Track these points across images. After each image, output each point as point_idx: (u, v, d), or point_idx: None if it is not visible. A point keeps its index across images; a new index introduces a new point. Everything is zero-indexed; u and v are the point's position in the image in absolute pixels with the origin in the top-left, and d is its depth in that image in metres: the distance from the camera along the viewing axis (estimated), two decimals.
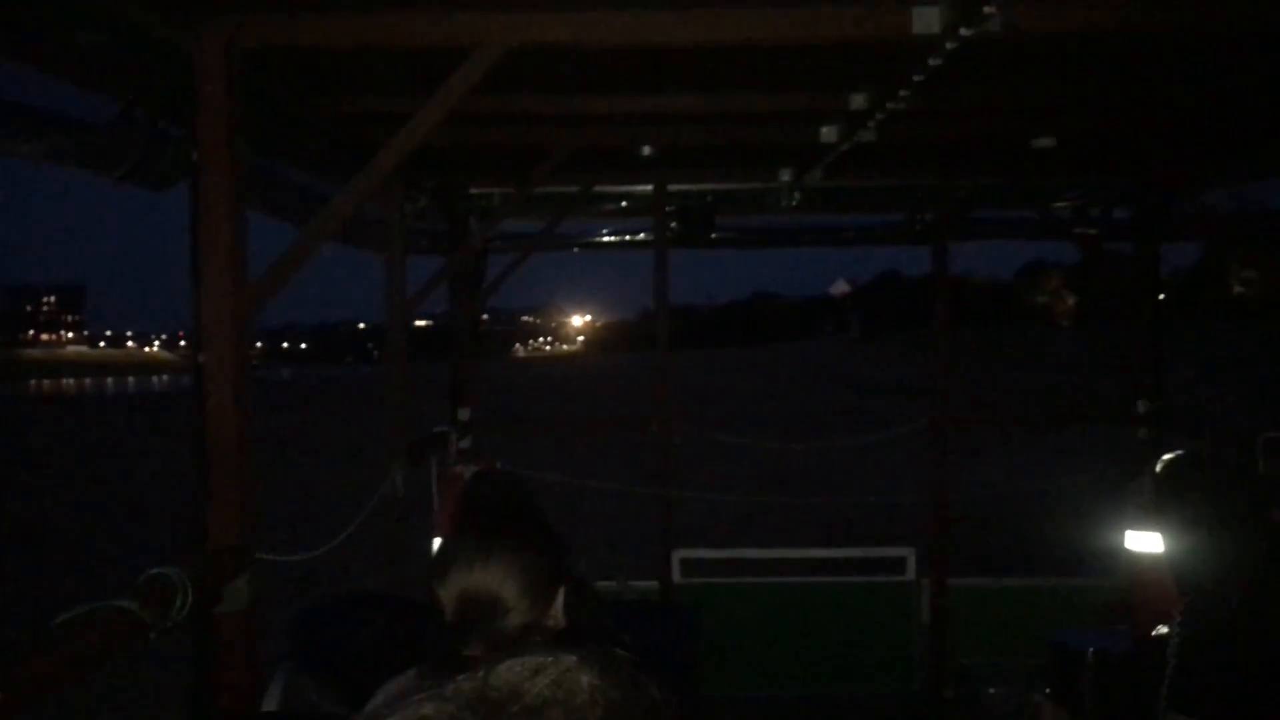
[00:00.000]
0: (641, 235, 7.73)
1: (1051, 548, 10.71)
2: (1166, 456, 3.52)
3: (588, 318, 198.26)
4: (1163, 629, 3.28)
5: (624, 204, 7.65)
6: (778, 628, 7.17)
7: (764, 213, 7.89)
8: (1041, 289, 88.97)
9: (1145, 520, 3.44)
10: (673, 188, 7.26)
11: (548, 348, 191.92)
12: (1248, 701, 2.89)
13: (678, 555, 7.21)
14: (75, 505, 19.35)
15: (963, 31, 3.33)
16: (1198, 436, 7.45)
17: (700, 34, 3.71)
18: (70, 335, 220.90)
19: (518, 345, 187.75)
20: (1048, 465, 13.72)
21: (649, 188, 7.25)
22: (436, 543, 4.90)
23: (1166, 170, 6.04)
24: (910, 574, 7.21)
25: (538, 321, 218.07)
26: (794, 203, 7.41)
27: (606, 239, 7.94)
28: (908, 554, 7.27)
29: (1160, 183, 6.90)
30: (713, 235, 7.57)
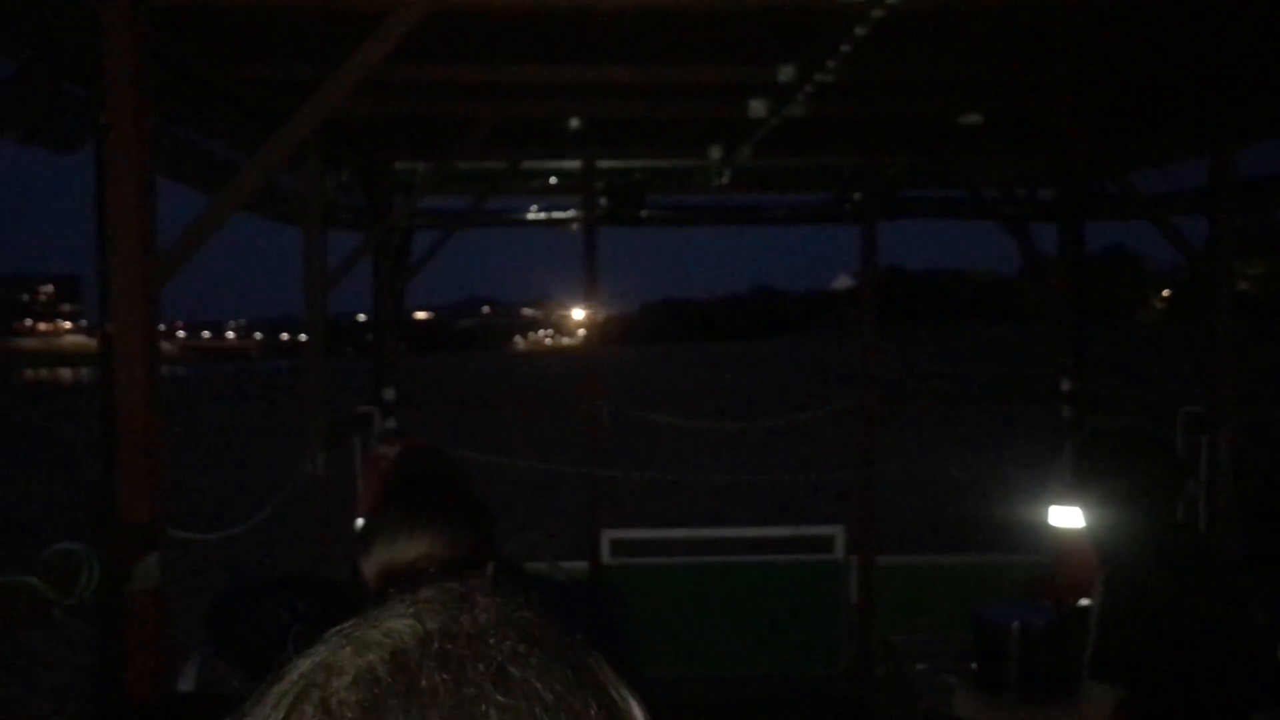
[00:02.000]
0: (571, 212, 7.64)
1: (981, 525, 10.80)
2: (1086, 432, 3.54)
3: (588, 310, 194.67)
4: (1085, 601, 3.29)
5: (552, 180, 7.57)
6: (705, 608, 7.14)
7: (695, 191, 7.86)
8: (1041, 284, 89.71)
9: (1068, 495, 3.46)
10: (602, 164, 7.19)
11: (548, 340, 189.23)
12: (1165, 669, 2.91)
13: (607, 535, 7.17)
14: (28, 492, 18.80)
15: None
16: (1119, 413, 7.53)
17: None
18: (68, 325, 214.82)
19: (518, 338, 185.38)
20: (995, 445, 13.84)
21: (578, 164, 7.18)
22: (360, 523, 4.82)
23: (1090, 150, 6.08)
24: (839, 552, 7.21)
25: (538, 314, 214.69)
26: (724, 180, 7.37)
27: (535, 216, 7.84)
28: (836, 532, 7.27)
29: (1084, 162, 6.96)
30: (642, 213, 7.50)
